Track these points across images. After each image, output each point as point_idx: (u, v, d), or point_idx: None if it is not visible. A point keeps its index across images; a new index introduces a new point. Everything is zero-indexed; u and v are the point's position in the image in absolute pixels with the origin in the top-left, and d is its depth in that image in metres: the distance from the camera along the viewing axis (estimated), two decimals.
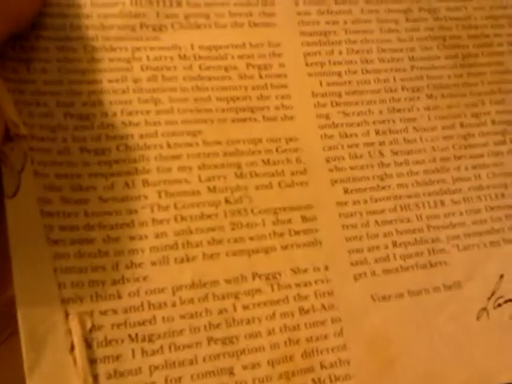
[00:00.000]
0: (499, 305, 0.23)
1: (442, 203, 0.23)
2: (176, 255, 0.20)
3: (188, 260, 0.20)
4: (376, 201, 0.23)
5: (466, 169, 0.24)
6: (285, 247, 0.21)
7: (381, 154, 0.23)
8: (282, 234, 0.21)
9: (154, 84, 0.21)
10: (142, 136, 0.21)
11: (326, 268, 0.21)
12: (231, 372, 0.19)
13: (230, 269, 0.20)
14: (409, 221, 0.23)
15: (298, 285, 0.21)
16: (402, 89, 0.24)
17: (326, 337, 0.20)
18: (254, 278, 0.20)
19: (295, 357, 0.20)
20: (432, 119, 0.24)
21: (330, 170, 0.23)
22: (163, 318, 0.19)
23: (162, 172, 0.21)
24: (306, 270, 0.21)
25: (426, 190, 0.23)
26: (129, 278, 0.19)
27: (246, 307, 0.20)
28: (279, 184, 0.22)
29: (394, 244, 0.22)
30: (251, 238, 0.21)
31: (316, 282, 0.21)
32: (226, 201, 0.21)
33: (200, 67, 0.22)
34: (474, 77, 0.25)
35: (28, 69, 0.20)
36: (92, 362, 0.18)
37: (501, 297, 0.23)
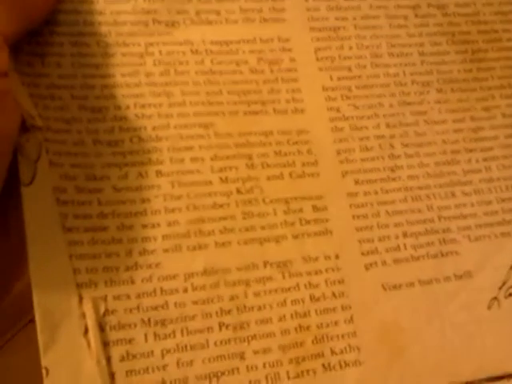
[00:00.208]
0: (510, 294, 0.23)
1: (453, 194, 0.23)
2: (188, 243, 0.20)
3: (200, 248, 0.20)
4: (387, 192, 0.23)
5: (477, 161, 0.24)
6: (296, 236, 0.21)
7: (391, 146, 0.23)
8: (293, 224, 0.21)
9: (166, 78, 0.22)
10: (154, 128, 0.21)
11: (337, 257, 0.21)
12: (242, 356, 0.19)
13: (241, 257, 0.21)
14: (420, 211, 0.23)
15: (308, 273, 0.21)
16: (412, 83, 0.25)
17: (336, 323, 0.21)
18: (265, 266, 0.21)
19: (306, 342, 0.20)
20: (442, 113, 0.25)
21: (341, 162, 0.23)
22: (175, 303, 0.19)
23: (175, 163, 0.21)
24: (316, 259, 0.21)
25: (436, 182, 0.23)
26: (142, 264, 0.20)
27: (257, 294, 0.20)
28: (290, 175, 0.22)
29: (405, 234, 0.22)
30: (262, 227, 0.21)
31: (327, 270, 0.21)
32: (238, 191, 0.21)
33: (212, 62, 0.23)
34: (483, 71, 0.26)
35: (43, 63, 0.21)
36: (105, 344, 0.18)
37: (511, 286, 0.23)
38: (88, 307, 0.18)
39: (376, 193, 0.23)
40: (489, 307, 0.22)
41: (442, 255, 0.22)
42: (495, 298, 0.22)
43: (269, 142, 0.22)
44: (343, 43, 0.24)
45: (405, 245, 0.22)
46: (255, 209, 0.21)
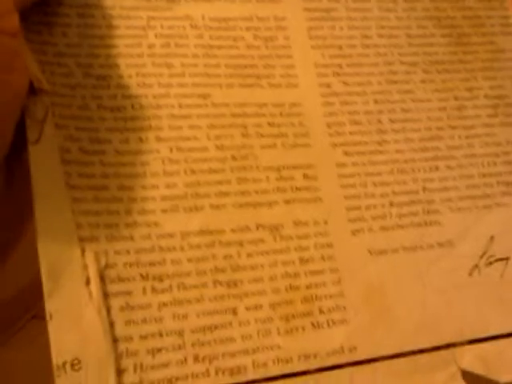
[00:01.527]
0: (490, 263, 0.24)
1: (437, 168, 0.25)
2: (185, 204, 0.21)
3: (196, 209, 0.21)
4: (374, 164, 0.24)
5: (460, 138, 0.25)
6: (287, 202, 0.22)
7: (379, 121, 0.25)
8: (284, 190, 0.23)
9: (166, 50, 0.23)
10: (155, 96, 0.22)
11: (326, 222, 0.23)
12: (235, 312, 0.20)
13: (235, 219, 0.22)
14: (405, 183, 0.24)
15: (298, 236, 0.22)
16: (400, 63, 0.26)
17: (324, 284, 0.22)
18: (257, 229, 0.22)
19: (295, 301, 0.21)
20: (428, 92, 0.26)
21: (331, 135, 0.24)
22: (172, 260, 0.20)
23: (174, 129, 0.22)
24: (306, 223, 0.22)
25: (421, 156, 0.25)
26: (141, 222, 0.21)
27: (249, 255, 0.21)
28: (283, 144, 0.23)
29: (391, 204, 0.24)
30: (256, 192, 0.22)
31: (316, 234, 0.22)
32: (233, 157, 0.22)
33: (210, 37, 0.24)
34: (467, 54, 0.27)
35: (50, 32, 0.22)
36: (106, 295, 0.19)
37: (492, 256, 0.24)
38: (90, 259, 0.19)
39: (364, 164, 0.24)
40: (470, 274, 0.23)
41: (426, 224, 0.24)
42: (476, 266, 0.24)
43: (263, 113, 0.23)
44: (335, 23, 0.26)
45: (390, 213, 0.23)
46: (249, 175, 0.22)
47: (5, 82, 0.18)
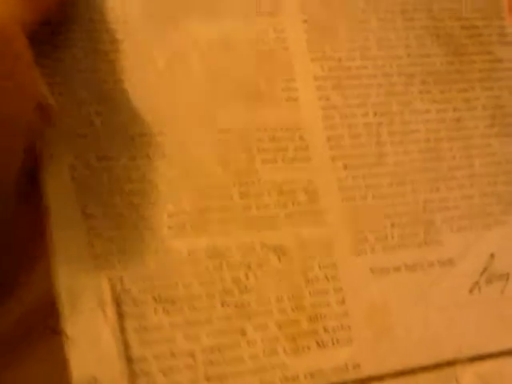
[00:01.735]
0: (491, 280, 0.25)
1: (437, 189, 0.25)
2: (192, 222, 0.22)
3: (204, 230, 0.22)
4: (374, 176, 0.25)
5: (458, 150, 0.26)
6: (288, 215, 0.23)
7: (378, 134, 0.25)
8: (285, 204, 0.23)
9: (171, 69, 0.23)
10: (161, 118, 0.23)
11: (330, 242, 0.23)
12: (243, 332, 0.21)
13: (241, 238, 0.22)
14: (404, 196, 0.25)
15: (303, 257, 0.23)
16: (398, 74, 0.26)
17: (328, 304, 0.23)
18: (262, 249, 0.23)
19: (301, 321, 0.22)
20: (426, 103, 0.26)
21: (331, 148, 0.25)
22: (183, 283, 0.21)
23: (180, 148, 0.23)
24: (310, 243, 0.23)
25: (420, 168, 0.25)
26: (153, 248, 0.22)
27: (256, 276, 0.22)
28: (283, 159, 0.24)
29: (392, 224, 0.24)
30: (257, 207, 0.23)
31: (320, 254, 0.23)
32: (236, 172, 0.23)
33: (213, 54, 0.24)
34: (465, 65, 0.27)
35: (57, 52, 0.23)
36: (120, 318, 0.20)
37: (492, 273, 0.25)
38: (105, 284, 0.20)
39: (364, 177, 0.24)
40: (470, 291, 0.24)
41: (427, 244, 0.24)
42: (477, 283, 0.24)
43: (264, 128, 0.24)
44: (334, 36, 0.26)
45: (392, 234, 0.24)
46: (251, 189, 0.23)
47: (13, 101, 0.19)
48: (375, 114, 0.25)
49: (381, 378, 0.22)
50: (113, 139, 0.22)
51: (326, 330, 0.22)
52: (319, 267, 0.23)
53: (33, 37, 0.21)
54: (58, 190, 0.21)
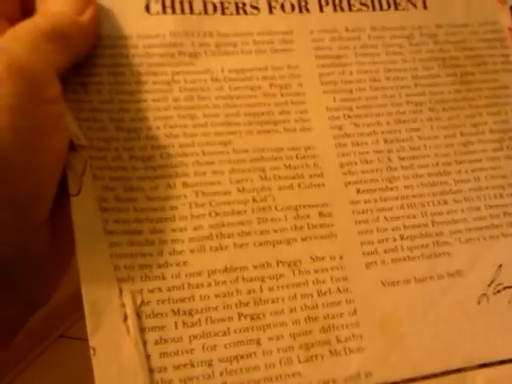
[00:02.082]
0: (498, 291, 0.25)
1: (445, 202, 0.26)
2: (211, 244, 0.23)
3: (221, 249, 0.23)
4: (385, 200, 0.26)
5: (466, 172, 0.27)
6: (304, 239, 0.24)
7: (389, 159, 0.27)
8: (301, 228, 0.24)
9: (190, 102, 0.25)
10: (181, 145, 0.25)
11: (341, 257, 0.24)
12: (258, 342, 0.22)
13: (257, 256, 0.24)
14: (415, 217, 0.26)
15: (316, 271, 0.24)
16: (407, 103, 0.28)
17: (341, 315, 0.23)
18: (278, 265, 0.24)
19: (314, 331, 0.23)
20: (434, 129, 0.28)
21: (344, 174, 0.26)
22: (200, 296, 0.23)
23: (199, 175, 0.24)
24: (323, 259, 0.24)
25: (430, 191, 0.26)
26: (171, 263, 0.23)
27: (271, 289, 0.23)
28: (299, 185, 0.25)
29: (402, 237, 0.25)
30: (275, 231, 0.24)
31: (332, 268, 0.24)
32: (253, 199, 0.24)
33: (230, 88, 0.26)
34: (471, 92, 0.29)
35: (86, 91, 0.25)
36: (141, 330, 0.21)
37: (500, 284, 0.25)
38: (127, 298, 0.22)
39: (376, 201, 0.26)
40: (479, 302, 0.25)
41: (436, 256, 0.25)
42: (484, 295, 0.25)
43: (280, 156, 0.25)
44: (345, 69, 0.28)
45: (402, 246, 0.25)
46: (268, 215, 0.24)
47: (48, 145, 0.21)
48: (385, 141, 0.27)
49: None
50: (138, 171, 0.24)
51: (338, 339, 0.23)
52: (331, 280, 0.24)
53: (63, 78, 0.23)
54: (86, 221, 0.22)
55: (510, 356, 0.24)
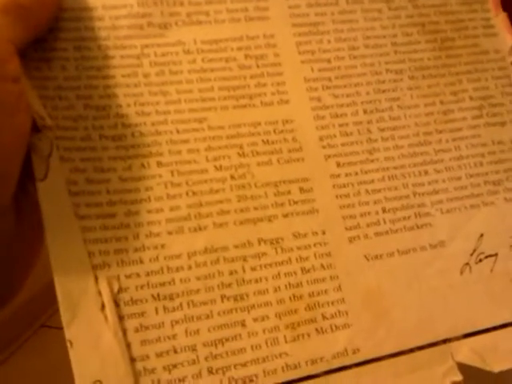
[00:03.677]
0: (480, 260, 0.25)
1: (426, 172, 0.26)
2: (190, 225, 0.22)
3: (200, 229, 0.22)
4: (366, 172, 0.25)
5: (447, 141, 0.27)
6: (285, 215, 0.24)
7: (369, 131, 0.26)
8: (282, 204, 0.24)
9: (162, 78, 0.24)
10: (153, 124, 0.23)
11: (323, 232, 0.24)
12: (243, 324, 0.22)
13: (238, 236, 0.23)
14: (396, 189, 0.25)
15: (299, 248, 0.23)
16: (386, 71, 0.27)
17: (326, 292, 0.23)
18: (259, 243, 0.23)
19: (299, 310, 0.22)
20: (414, 98, 0.27)
21: (323, 147, 0.25)
22: (181, 279, 0.22)
23: (173, 154, 0.23)
24: (305, 235, 0.24)
25: (410, 162, 0.26)
26: (149, 246, 0.22)
27: (253, 268, 0.23)
28: (278, 161, 0.24)
29: (384, 210, 0.25)
30: (255, 208, 0.23)
31: (315, 245, 0.24)
32: (232, 177, 0.23)
33: (203, 60, 0.25)
34: (451, 58, 0.28)
35: (49, 67, 0.23)
36: (120, 318, 0.21)
37: (482, 253, 0.25)
38: (103, 286, 0.21)
39: (356, 174, 0.25)
40: (461, 272, 0.25)
41: (418, 227, 0.25)
42: (467, 264, 0.25)
43: (257, 132, 0.24)
44: (322, 37, 0.27)
45: (384, 219, 0.25)
46: (248, 192, 0.23)
47: (10, 125, 0.19)
48: (365, 111, 0.26)
49: (380, 359, 0.23)
50: (109, 151, 0.23)
51: (324, 317, 0.23)
52: (315, 257, 0.23)
53: (24, 54, 0.21)
54: (55, 206, 0.21)
55: (492, 324, 0.24)
